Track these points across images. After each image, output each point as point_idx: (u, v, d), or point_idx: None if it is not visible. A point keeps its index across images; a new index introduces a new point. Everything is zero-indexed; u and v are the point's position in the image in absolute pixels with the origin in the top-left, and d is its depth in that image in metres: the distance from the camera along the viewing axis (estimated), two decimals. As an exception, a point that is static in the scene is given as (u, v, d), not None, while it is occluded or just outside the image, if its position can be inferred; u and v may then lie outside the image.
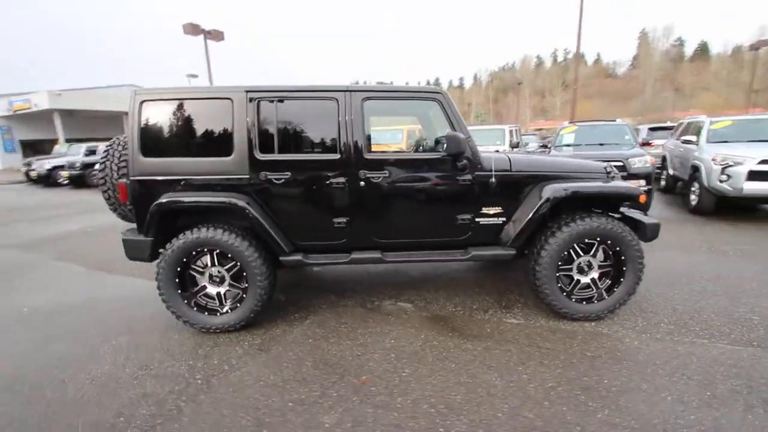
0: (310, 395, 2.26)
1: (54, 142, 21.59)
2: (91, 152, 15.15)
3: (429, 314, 3.28)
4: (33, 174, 15.46)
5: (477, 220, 3.07)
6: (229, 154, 2.92)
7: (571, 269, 3.04)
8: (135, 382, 2.43)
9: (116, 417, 2.12)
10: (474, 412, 2.09)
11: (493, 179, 3.00)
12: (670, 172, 8.48)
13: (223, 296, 3.03)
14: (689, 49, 72.05)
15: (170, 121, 2.95)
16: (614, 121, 8.38)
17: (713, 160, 6.16)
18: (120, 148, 3.27)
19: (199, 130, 2.96)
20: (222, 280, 3.01)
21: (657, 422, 1.99)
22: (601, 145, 7.50)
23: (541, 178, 3.07)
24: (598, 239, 2.94)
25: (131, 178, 2.93)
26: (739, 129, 6.92)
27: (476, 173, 3.00)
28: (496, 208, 3.07)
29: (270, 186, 2.94)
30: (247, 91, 2.90)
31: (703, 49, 68.36)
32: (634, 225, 3.06)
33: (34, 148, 25.19)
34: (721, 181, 6.00)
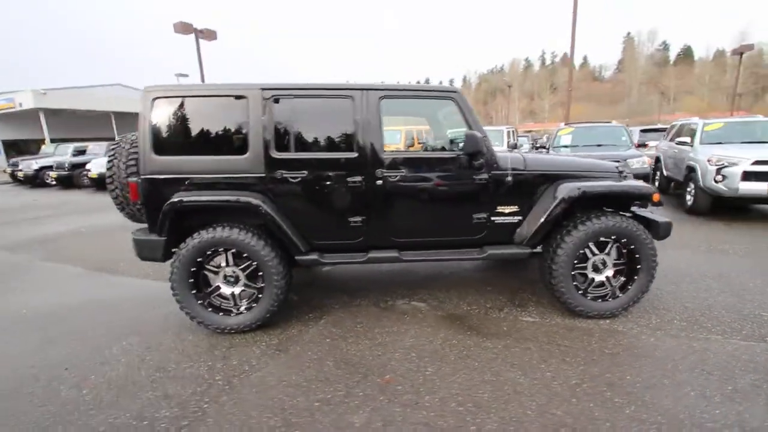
0: (335, 395, 2.23)
1: (39, 142, 21.09)
2: (80, 152, 14.85)
3: (444, 313, 3.28)
4: (20, 174, 15.05)
5: (492, 218, 3.08)
6: (243, 153, 2.87)
7: (586, 267, 3.06)
8: (153, 383, 2.37)
9: (138, 420, 2.06)
10: (503, 410, 2.08)
11: (510, 178, 3.02)
12: (664, 173, 8.64)
13: (237, 296, 2.98)
14: (673, 54, 73.78)
15: (183, 119, 2.89)
16: (610, 122, 8.51)
17: (709, 160, 6.29)
18: (128, 146, 3.20)
19: (213, 127, 2.91)
20: (236, 280, 2.96)
21: (683, 417, 2.01)
22: (599, 146, 7.62)
23: (555, 178, 3.09)
24: (613, 238, 2.97)
25: (142, 176, 2.87)
26: (731, 131, 7.09)
27: (492, 172, 3.01)
28: (512, 207, 3.08)
29: (286, 184, 2.90)
30: (263, 89, 2.86)
31: (686, 53, 70.07)
32: (647, 224, 3.10)
33: (17, 148, 24.56)
34: (716, 182, 6.14)
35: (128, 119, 26.16)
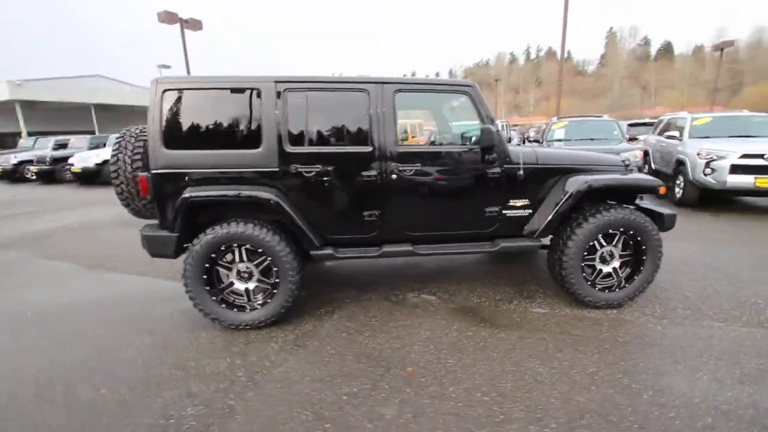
0: (362, 388, 2.25)
1: (15, 135, 20.27)
2: (61, 146, 14.39)
3: (455, 306, 3.32)
4: (-3, 169, 14.49)
5: (504, 212, 3.13)
6: (256, 146, 2.84)
7: (594, 259, 3.14)
8: (175, 382, 2.34)
9: (165, 418, 2.04)
10: (527, 399, 2.14)
11: (521, 172, 3.06)
12: (653, 166, 8.87)
13: (251, 292, 2.96)
14: (654, 49, 75.29)
15: (195, 112, 2.83)
16: (601, 116, 8.67)
17: (698, 154, 6.49)
18: (132, 139, 3.12)
19: (226, 121, 2.86)
20: (250, 276, 2.94)
21: (698, 401, 2.10)
22: (592, 140, 7.76)
23: (566, 171, 3.15)
24: (621, 230, 3.05)
25: (153, 171, 2.80)
26: (718, 125, 7.31)
27: (505, 166, 3.05)
28: (523, 200, 3.13)
29: (300, 179, 2.88)
30: (276, 81, 2.82)
31: (666, 49, 71.59)
32: (651, 215, 3.19)
33: (-10, 141, 23.59)
34: (705, 175, 6.34)
35: (110, 112, 25.40)
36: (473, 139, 3.09)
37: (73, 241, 5.84)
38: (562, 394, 2.17)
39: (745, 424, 1.93)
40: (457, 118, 3.83)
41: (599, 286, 3.15)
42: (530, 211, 3.17)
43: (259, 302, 2.94)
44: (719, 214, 6.39)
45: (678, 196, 7.07)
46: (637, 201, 3.37)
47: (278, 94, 2.81)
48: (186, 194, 2.73)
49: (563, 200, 3.00)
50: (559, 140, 8.09)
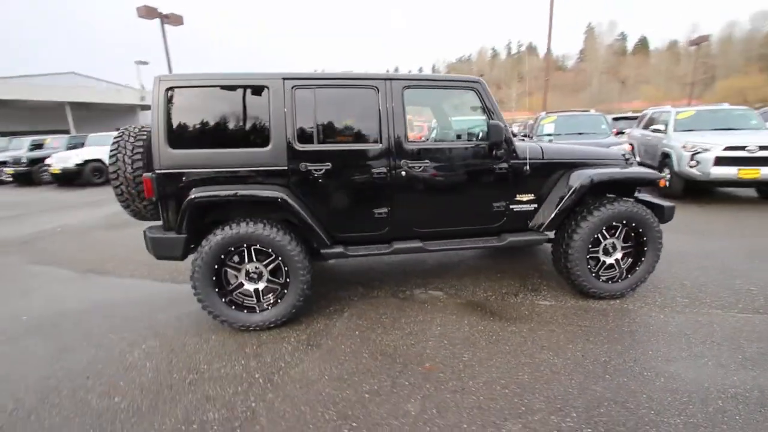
0: (382, 386, 2.26)
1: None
2: (37, 146, 13.86)
3: (463, 300, 3.36)
4: (-32, 171, 13.85)
5: (511, 207, 3.17)
6: (265, 145, 2.80)
7: (597, 251, 3.21)
8: (191, 386, 2.30)
9: (186, 423, 2.01)
10: (546, 389, 2.18)
11: (528, 167, 3.10)
12: (638, 159, 9.10)
13: (260, 293, 2.92)
14: (631, 44, 76.97)
15: (200, 110, 2.77)
16: (588, 111, 8.84)
17: (683, 147, 6.70)
18: (132, 138, 3.03)
19: (233, 119, 2.81)
20: (259, 277, 2.90)
21: (708, 385, 2.18)
22: (580, 134, 7.91)
23: (570, 165, 3.21)
24: (624, 222, 3.13)
25: (157, 171, 2.73)
26: (701, 119, 7.55)
27: (512, 161, 3.08)
28: (529, 195, 3.18)
29: (309, 177, 2.85)
30: (284, 79, 2.78)
31: (643, 44, 73.28)
32: (651, 208, 3.28)
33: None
34: (691, 167, 6.55)
35: (87, 110, 24.55)
36: (480, 134, 3.11)
37: (62, 245, 5.65)
38: (578, 384, 2.22)
39: (753, 406, 2.01)
40: (463, 113, 3.85)
41: (603, 278, 3.23)
42: (536, 205, 3.22)
43: (269, 302, 2.91)
44: (705, 205, 6.62)
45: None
46: (636, 194, 3.47)
47: (286, 91, 2.77)
48: (193, 194, 2.67)
49: (569, 194, 3.06)
50: (549, 135, 8.22)
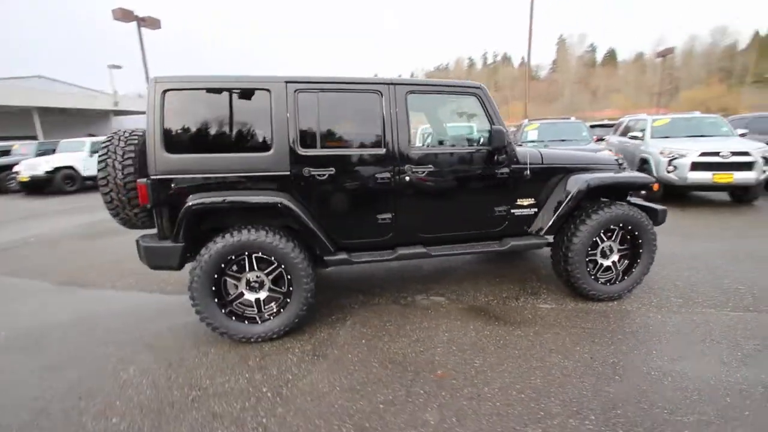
0: (396, 395, 2.20)
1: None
2: (3, 153, 13.14)
3: (465, 306, 3.34)
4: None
5: (512, 211, 3.19)
6: (267, 150, 2.72)
7: (596, 254, 3.27)
8: (194, 403, 2.18)
9: (194, 443, 1.89)
10: (561, 393, 2.18)
11: (528, 172, 3.14)
12: (616, 165, 9.42)
13: (261, 302, 2.82)
14: (600, 55, 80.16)
15: (198, 113, 2.68)
16: (569, 118, 9.10)
17: (661, 153, 6.98)
18: (122, 143, 2.89)
19: (233, 123, 2.72)
20: (261, 286, 2.81)
21: (713, 382, 2.23)
22: (563, 140, 8.11)
23: (568, 170, 3.27)
24: (621, 225, 3.20)
25: (153, 177, 2.61)
26: (675, 126, 7.89)
27: (513, 166, 3.11)
28: (529, 199, 3.21)
29: (312, 182, 2.79)
30: (287, 82, 2.72)
31: (611, 56, 76.42)
32: (645, 211, 3.37)
33: None
34: (668, 172, 6.82)
35: (56, 115, 23.52)
36: (481, 140, 3.13)
37: (37, 255, 5.33)
38: (591, 386, 2.23)
39: (759, 401, 2.07)
40: (463, 119, 3.87)
41: (601, 280, 3.28)
42: (536, 209, 3.26)
43: (271, 312, 2.81)
44: (685, 208, 6.89)
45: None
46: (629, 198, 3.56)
47: (289, 95, 2.71)
48: (192, 201, 2.56)
49: (567, 199, 3.11)
50: (533, 141, 8.39)
